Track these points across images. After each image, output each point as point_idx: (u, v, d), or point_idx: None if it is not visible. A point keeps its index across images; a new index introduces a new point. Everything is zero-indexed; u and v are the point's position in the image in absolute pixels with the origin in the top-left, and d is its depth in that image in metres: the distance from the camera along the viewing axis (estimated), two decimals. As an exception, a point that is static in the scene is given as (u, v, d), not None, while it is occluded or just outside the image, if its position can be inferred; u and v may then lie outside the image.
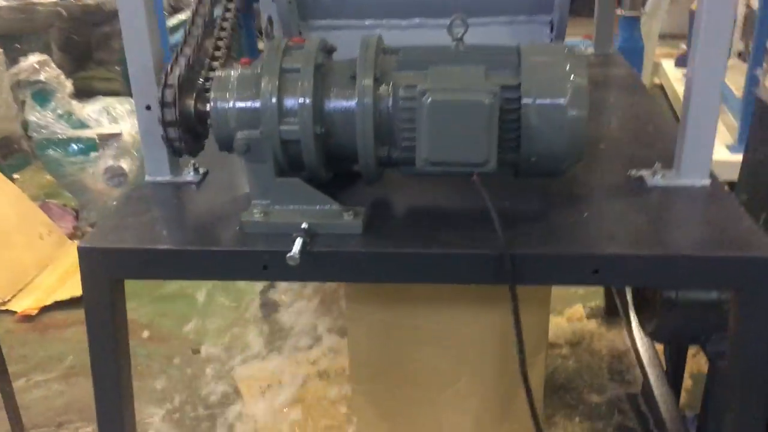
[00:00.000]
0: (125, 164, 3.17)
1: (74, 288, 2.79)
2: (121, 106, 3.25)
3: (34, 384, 2.34)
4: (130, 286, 2.58)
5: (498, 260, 1.10)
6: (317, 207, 1.20)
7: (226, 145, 1.24)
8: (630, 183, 1.30)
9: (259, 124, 1.18)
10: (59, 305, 2.74)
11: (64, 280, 2.89)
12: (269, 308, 2.71)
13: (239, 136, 1.19)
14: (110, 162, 3.15)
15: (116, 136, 3.15)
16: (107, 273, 1.19)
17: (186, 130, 1.25)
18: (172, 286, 2.90)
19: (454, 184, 1.29)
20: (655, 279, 1.14)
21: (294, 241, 1.12)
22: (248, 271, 1.18)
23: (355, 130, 1.17)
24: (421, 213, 1.26)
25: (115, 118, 3.21)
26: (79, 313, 2.80)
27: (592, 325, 2.48)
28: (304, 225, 1.16)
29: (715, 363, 1.60)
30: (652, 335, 1.79)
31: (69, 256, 3.05)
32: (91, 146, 3.16)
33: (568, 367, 2.29)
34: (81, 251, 1.17)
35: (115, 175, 3.16)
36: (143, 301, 2.79)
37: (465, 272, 1.14)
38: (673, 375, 1.90)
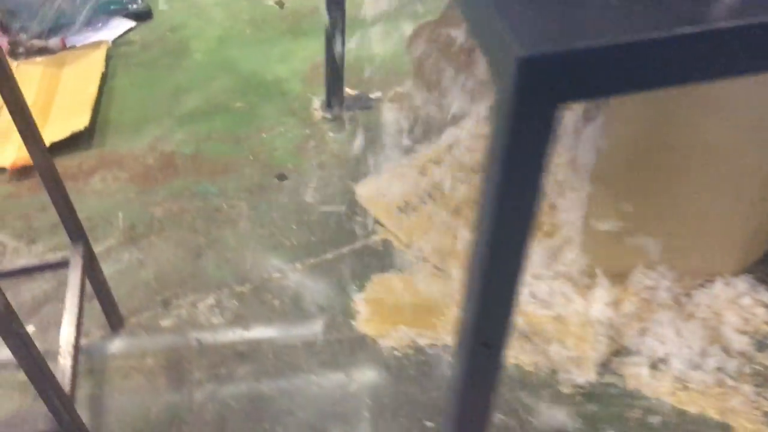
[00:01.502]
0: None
1: (69, 122, 2.08)
2: None
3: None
4: (137, 107, 1.96)
5: None
6: None
7: None
8: None
9: None
10: (58, 147, 2.04)
11: (44, 113, 2.14)
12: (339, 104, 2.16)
13: None
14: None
15: None
16: (561, 91, 0.66)
17: None
18: (192, 99, 2.24)
19: None
20: None
21: None
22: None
23: None
24: None
25: None
26: (95, 155, 2.10)
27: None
28: None
29: None
30: None
31: (31, 82, 2.26)
32: None
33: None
34: (524, 63, 0.62)
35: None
36: (168, 125, 2.14)
37: None
38: None
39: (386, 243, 1.75)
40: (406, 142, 2.03)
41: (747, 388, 1.40)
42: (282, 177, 1.95)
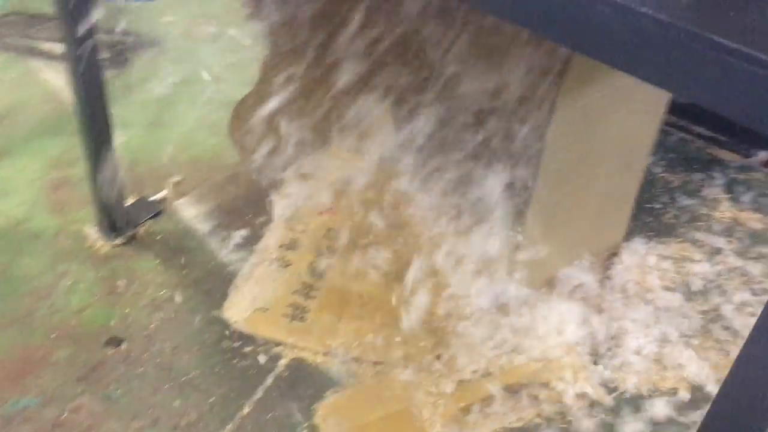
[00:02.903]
0: None
1: None
2: None
3: None
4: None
5: None
6: None
7: None
8: None
9: None
10: None
11: None
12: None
13: None
14: None
15: None
16: None
17: None
18: None
19: None
20: None
21: None
22: None
23: None
24: None
25: None
26: None
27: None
28: None
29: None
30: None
31: None
32: None
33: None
34: None
35: None
36: None
37: None
38: None
39: (299, 363, 1.44)
40: (235, 235, 1.70)
41: (709, 343, 1.48)
42: (115, 341, 1.47)
